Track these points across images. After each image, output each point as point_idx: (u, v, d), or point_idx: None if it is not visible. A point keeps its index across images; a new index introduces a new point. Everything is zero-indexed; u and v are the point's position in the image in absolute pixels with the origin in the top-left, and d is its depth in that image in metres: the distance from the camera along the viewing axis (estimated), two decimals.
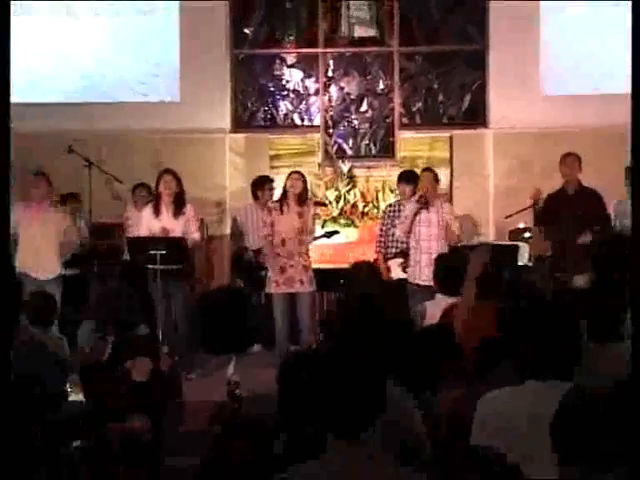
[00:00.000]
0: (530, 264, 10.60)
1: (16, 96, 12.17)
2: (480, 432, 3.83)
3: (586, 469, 3.03)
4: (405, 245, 9.81)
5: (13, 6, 12.51)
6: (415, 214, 9.54)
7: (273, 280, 9.74)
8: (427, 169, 10.34)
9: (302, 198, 9.82)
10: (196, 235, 9.85)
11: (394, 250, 10.06)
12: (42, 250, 9.67)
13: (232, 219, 11.90)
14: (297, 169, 10.59)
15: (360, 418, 3.11)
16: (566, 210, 9.66)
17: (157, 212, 9.70)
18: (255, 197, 11.15)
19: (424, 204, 9.58)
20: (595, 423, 3.04)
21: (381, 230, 10.32)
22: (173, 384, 7.34)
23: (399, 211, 10.08)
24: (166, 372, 7.39)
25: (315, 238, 10.21)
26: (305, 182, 9.97)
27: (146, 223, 9.76)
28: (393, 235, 10.05)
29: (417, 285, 9.40)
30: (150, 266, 9.45)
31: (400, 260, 9.85)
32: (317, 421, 3.20)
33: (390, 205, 10.60)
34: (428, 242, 9.54)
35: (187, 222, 9.71)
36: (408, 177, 10.37)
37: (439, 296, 7.51)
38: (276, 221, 9.76)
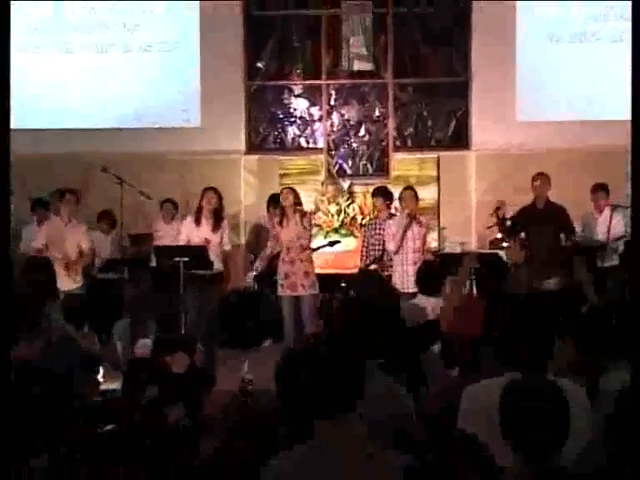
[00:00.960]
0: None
1: (55, 123, 12.36)
2: (464, 421, 3.76)
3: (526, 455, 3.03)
4: (380, 253, 9.96)
5: (56, 44, 12.69)
6: (405, 230, 9.65)
7: (280, 284, 9.80)
8: (408, 188, 10.42)
9: (296, 209, 9.87)
10: (228, 246, 9.94)
11: (372, 257, 10.15)
12: (69, 262, 9.67)
13: (249, 230, 11.95)
14: (288, 186, 10.71)
15: (344, 400, 3.09)
16: (536, 222, 9.75)
17: (198, 224, 9.75)
18: (268, 211, 11.19)
19: (412, 220, 9.72)
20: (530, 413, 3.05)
21: (363, 242, 10.48)
22: (207, 376, 7.39)
23: (376, 225, 10.26)
24: (201, 366, 7.44)
25: (318, 247, 10.26)
26: (296, 195, 10.02)
27: (186, 233, 9.80)
28: (373, 245, 10.19)
29: (407, 294, 9.33)
30: (181, 270, 9.46)
31: (375, 266, 9.95)
32: (307, 406, 3.14)
33: (369, 221, 10.84)
34: (413, 254, 9.64)
35: (223, 234, 9.78)
36: (383, 192, 10.54)
37: (420, 296, 7.58)
38: (280, 233, 9.81)
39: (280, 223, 9.82)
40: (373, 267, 9.92)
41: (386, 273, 9.76)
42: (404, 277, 9.62)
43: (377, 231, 10.21)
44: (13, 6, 12.69)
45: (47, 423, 4.15)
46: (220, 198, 9.80)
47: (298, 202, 9.94)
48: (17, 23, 12.79)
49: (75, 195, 10.03)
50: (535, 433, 3.02)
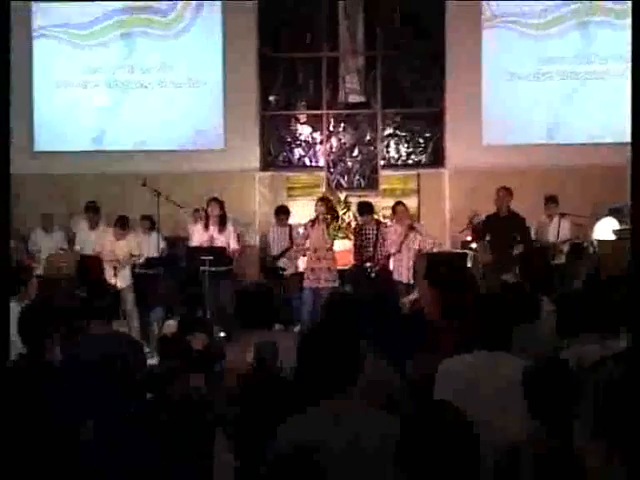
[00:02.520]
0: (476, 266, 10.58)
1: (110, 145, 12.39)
2: (440, 390, 3.76)
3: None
4: (371, 254, 9.89)
5: (107, 82, 12.72)
6: (404, 238, 9.71)
7: (306, 278, 9.75)
8: (400, 203, 10.46)
9: (324, 217, 9.84)
10: (235, 246, 9.88)
11: (365, 257, 10.08)
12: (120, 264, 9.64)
13: (261, 235, 11.96)
14: (324, 196, 10.68)
15: (345, 377, 3.05)
16: (499, 227, 9.69)
17: (206, 228, 9.71)
18: (276, 219, 11.16)
19: (410, 229, 9.82)
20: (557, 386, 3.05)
21: (355, 245, 10.36)
22: (220, 353, 7.37)
23: (366, 231, 10.13)
24: (216, 344, 7.40)
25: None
26: (331, 205, 10.07)
27: (198, 235, 9.78)
28: (365, 247, 10.08)
29: (400, 282, 9.69)
30: (202, 267, 9.44)
31: (370, 264, 9.90)
32: (313, 379, 3.09)
33: (359, 228, 10.52)
34: (408, 255, 9.72)
35: (229, 236, 9.73)
36: (369, 209, 10.41)
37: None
38: (311, 234, 9.80)
39: (312, 226, 9.79)
40: (368, 264, 9.87)
41: (377, 269, 9.75)
42: (401, 270, 9.74)
43: (367, 236, 10.15)
44: (67, 46, 12.77)
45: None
46: (222, 206, 9.71)
47: (328, 212, 9.93)
48: (75, 64, 12.88)
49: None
50: (556, 404, 3.02)
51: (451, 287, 5.83)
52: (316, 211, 9.87)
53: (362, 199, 11.47)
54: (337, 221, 10.02)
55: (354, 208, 12.43)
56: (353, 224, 12.27)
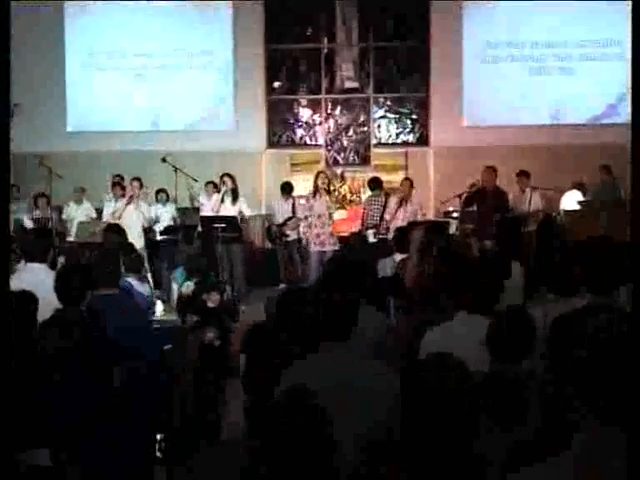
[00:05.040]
0: (457, 233, 10.50)
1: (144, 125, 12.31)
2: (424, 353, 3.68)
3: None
4: (376, 221, 9.79)
5: (131, 68, 12.62)
6: (399, 206, 9.56)
7: (312, 242, 9.68)
8: (407, 179, 10.21)
9: (325, 188, 9.74)
10: (247, 213, 9.87)
11: (371, 224, 9.99)
12: (133, 229, 9.38)
13: (268, 205, 11.95)
14: (324, 169, 10.55)
15: (342, 327, 3.04)
16: (484, 200, 9.54)
17: (221, 200, 9.68)
18: (282, 193, 11.09)
19: (403, 200, 9.64)
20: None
21: (363, 212, 10.26)
22: (233, 310, 7.40)
23: (374, 201, 10.00)
24: (228, 302, 7.41)
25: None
26: (329, 178, 9.98)
27: (215, 206, 9.73)
28: (372, 216, 9.94)
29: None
30: (215, 233, 9.42)
31: (373, 230, 9.81)
32: (315, 329, 3.09)
33: (369, 198, 10.37)
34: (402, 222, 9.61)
35: (241, 206, 9.70)
36: (379, 183, 10.27)
37: (397, 254, 7.37)
38: (314, 206, 9.69)
39: (314, 197, 9.68)
40: (371, 231, 9.72)
41: (380, 236, 9.61)
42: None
43: (375, 205, 9.96)
44: (96, 33, 12.68)
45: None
46: (234, 180, 9.65)
47: (329, 185, 9.85)
48: (99, 48, 12.78)
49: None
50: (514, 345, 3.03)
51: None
52: (318, 183, 9.75)
53: (356, 174, 11.41)
54: (331, 193, 9.92)
55: (349, 182, 12.45)
56: (349, 196, 12.28)
